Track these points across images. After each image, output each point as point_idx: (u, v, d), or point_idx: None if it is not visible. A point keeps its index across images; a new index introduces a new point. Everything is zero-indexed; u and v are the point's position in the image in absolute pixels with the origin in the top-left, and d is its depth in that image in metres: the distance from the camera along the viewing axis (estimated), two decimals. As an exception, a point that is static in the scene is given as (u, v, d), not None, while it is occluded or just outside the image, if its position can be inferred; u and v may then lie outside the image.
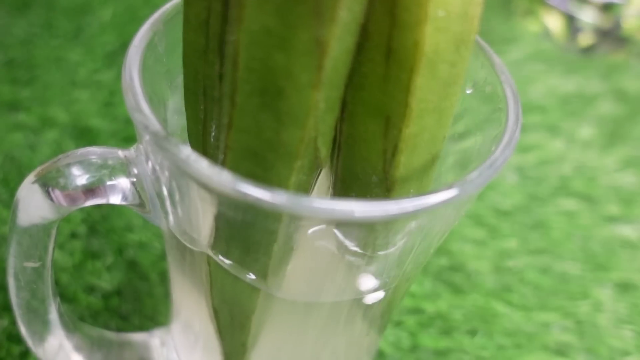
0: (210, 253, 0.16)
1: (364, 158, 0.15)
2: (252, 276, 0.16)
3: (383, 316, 0.21)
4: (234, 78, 0.13)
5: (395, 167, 0.15)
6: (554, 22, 0.47)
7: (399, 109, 0.14)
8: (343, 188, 0.16)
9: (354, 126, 0.14)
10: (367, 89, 0.14)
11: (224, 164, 0.14)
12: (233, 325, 0.18)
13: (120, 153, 0.16)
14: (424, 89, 0.13)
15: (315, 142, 0.14)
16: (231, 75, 0.13)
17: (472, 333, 0.28)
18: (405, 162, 0.14)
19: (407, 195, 0.15)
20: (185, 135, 0.16)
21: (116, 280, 0.27)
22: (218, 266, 0.16)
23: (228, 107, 0.13)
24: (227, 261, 0.16)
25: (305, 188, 0.15)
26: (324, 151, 0.14)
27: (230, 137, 0.14)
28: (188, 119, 0.16)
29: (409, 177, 0.15)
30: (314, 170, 0.15)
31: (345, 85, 0.14)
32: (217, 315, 0.18)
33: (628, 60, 0.46)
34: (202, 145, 0.16)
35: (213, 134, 0.15)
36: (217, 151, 0.15)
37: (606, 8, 0.45)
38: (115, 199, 0.16)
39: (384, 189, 0.15)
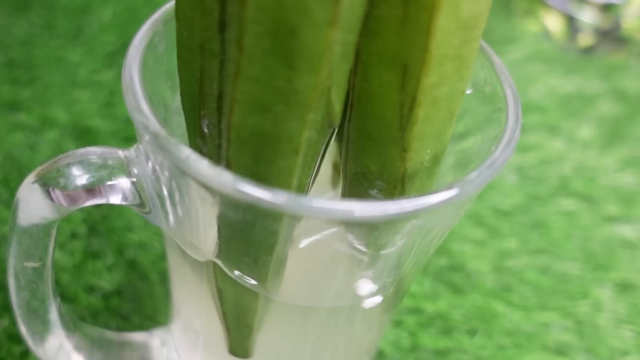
0: (213, 258, 0.16)
1: (379, 115, 0.14)
2: (251, 280, 0.16)
3: (383, 317, 0.21)
4: (242, 19, 0.12)
5: (412, 123, 0.14)
6: (553, 23, 0.47)
7: (418, 55, 0.13)
8: (355, 152, 0.15)
9: (367, 80, 0.14)
10: (382, 36, 0.13)
11: (229, 119, 0.13)
12: (239, 305, 0.18)
13: (120, 153, 0.16)
14: (444, 31, 0.12)
15: (328, 94, 0.13)
16: (238, 16, 0.12)
17: (472, 333, 0.28)
18: (424, 117, 0.14)
19: (424, 155, 0.15)
20: (185, 136, 0.16)
21: (116, 280, 0.27)
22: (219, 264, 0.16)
23: (234, 54, 0.12)
24: (227, 263, 0.16)
25: (315, 149, 0.14)
26: (338, 106, 0.13)
27: (237, 88, 0.13)
28: (182, 81, 0.15)
29: (427, 135, 0.14)
30: (325, 128, 0.14)
31: (359, 31, 0.13)
32: (220, 296, 0.17)
33: (628, 60, 0.46)
34: (198, 108, 0.15)
35: (212, 93, 0.14)
36: (216, 113, 0.14)
37: (606, 8, 0.45)
38: (115, 199, 0.16)
39: (400, 150, 0.14)
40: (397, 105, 0.14)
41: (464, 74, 0.14)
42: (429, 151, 0.15)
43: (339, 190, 0.20)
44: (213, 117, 0.14)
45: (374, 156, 0.15)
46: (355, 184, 0.16)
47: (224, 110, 0.13)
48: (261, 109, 0.13)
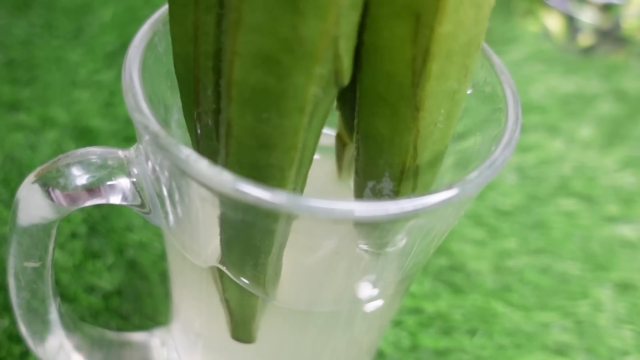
0: (215, 263, 0.16)
1: (389, 72, 0.13)
2: (251, 282, 0.16)
3: (383, 318, 0.21)
4: None
5: (425, 79, 0.13)
6: (553, 23, 0.47)
7: (432, 2, 0.12)
8: (365, 115, 0.14)
9: (377, 33, 0.13)
10: None
11: (230, 76, 0.12)
12: (242, 289, 0.17)
13: (120, 153, 0.16)
14: None
15: (336, 46, 0.12)
16: None
17: (472, 333, 0.28)
18: (437, 72, 0.13)
19: (437, 116, 0.14)
20: (185, 136, 0.16)
21: (116, 280, 0.27)
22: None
23: (235, 1, 0.12)
24: (228, 266, 0.16)
25: (322, 111, 0.13)
26: (346, 61, 0.13)
27: (238, 39, 0.12)
28: (174, 42, 0.14)
29: (440, 92, 0.13)
30: (332, 87, 0.13)
31: None
32: (222, 280, 0.17)
33: (628, 61, 0.46)
34: (193, 71, 0.14)
35: (207, 52, 0.13)
36: (212, 74, 0.13)
37: (606, 8, 0.45)
38: (115, 199, 0.16)
39: (412, 109, 0.13)
40: (408, 59, 0.13)
41: (480, 23, 0.13)
42: (442, 111, 0.14)
43: (346, 179, 0.20)
44: (209, 79, 0.14)
45: (385, 118, 0.14)
46: (366, 152, 0.15)
47: (223, 67, 0.13)
48: (264, 61, 0.12)
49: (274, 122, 0.13)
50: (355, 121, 0.15)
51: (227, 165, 0.14)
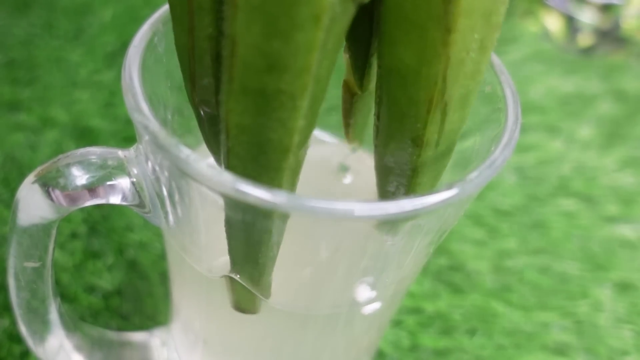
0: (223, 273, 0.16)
1: None
2: (249, 284, 0.16)
3: (383, 318, 0.21)
4: None
5: None
6: (553, 23, 0.47)
7: None
8: (389, 44, 0.13)
9: None
10: None
11: None
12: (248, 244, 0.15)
13: (120, 153, 0.16)
14: None
15: None
16: None
17: (472, 333, 0.28)
18: None
19: (470, 42, 0.12)
20: (185, 136, 0.16)
21: (117, 280, 0.27)
22: None
23: None
24: (229, 266, 0.16)
25: (337, 32, 0.12)
26: None
27: None
28: None
29: (476, 10, 0.12)
30: (350, 1, 0.11)
31: None
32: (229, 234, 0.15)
33: (627, 61, 0.46)
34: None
35: None
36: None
37: (605, 8, 0.45)
38: (115, 199, 0.16)
39: (443, 30, 0.12)
40: None
41: None
42: (476, 36, 0.12)
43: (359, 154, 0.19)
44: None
45: (411, 44, 0.12)
46: (388, 90, 0.13)
47: None
48: None
49: (286, 35, 0.11)
50: (377, 54, 0.13)
51: (232, 93, 0.12)
